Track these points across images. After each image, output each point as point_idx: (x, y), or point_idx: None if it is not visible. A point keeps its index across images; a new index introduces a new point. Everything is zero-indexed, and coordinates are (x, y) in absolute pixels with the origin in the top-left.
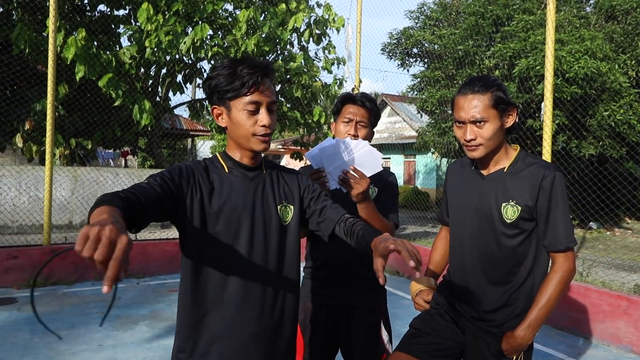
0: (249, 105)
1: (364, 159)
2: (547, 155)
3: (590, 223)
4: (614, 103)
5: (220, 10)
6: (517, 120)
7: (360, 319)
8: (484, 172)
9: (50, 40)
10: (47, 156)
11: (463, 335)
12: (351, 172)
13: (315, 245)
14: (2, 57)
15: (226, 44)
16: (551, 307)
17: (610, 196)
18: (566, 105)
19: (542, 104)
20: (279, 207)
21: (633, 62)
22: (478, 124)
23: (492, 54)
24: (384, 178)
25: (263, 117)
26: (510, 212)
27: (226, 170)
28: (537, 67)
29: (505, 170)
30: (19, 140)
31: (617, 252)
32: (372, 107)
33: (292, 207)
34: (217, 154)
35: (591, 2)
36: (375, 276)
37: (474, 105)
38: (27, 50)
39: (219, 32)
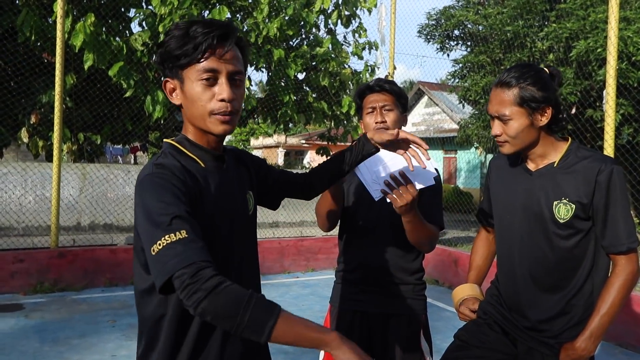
0: (204, 73)
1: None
2: (609, 150)
3: None
4: None
5: None
6: (558, 116)
7: (397, 328)
8: (532, 168)
9: (59, 26)
10: (55, 152)
11: (514, 348)
12: (398, 177)
13: (348, 247)
14: (7, 46)
15: (246, 27)
16: (614, 314)
17: None
18: (632, 92)
19: (604, 92)
20: (247, 195)
21: None
22: (503, 120)
23: (546, 35)
24: None
25: (222, 88)
26: (564, 210)
27: (203, 165)
28: (599, 50)
29: (555, 165)
30: (24, 135)
31: None
32: (391, 88)
33: (252, 192)
34: (179, 145)
35: None
36: (415, 281)
37: (499, 100)
38: (33, 38)
39: (238, 15)
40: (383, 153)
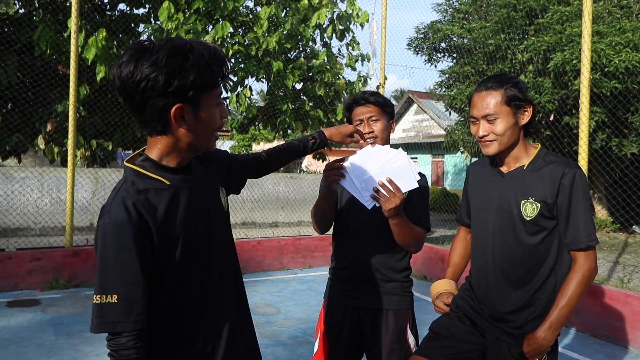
0: (219, 97)
1: (401, 171)
2: (583, 154)
3: (633, 227)
4: None
5: (241, 8)
6: (534, 118)
7: (386, 322)
8: (504, 170)
9: (72, 41)
10: (70, 158)
11: (483, 338)
12: (386, 183)
13: (340, 247)
14: (25, 59)
15: (247, 41)
16: (572, 307)
17: None
18: (604, 101)
19: (580, 100)
20: (220, 195)
21: None
22: (490, 120)
23: (525, 48)
24: None
25: (224, 108)
26: (530, 209)
27: (168, 183)
28: (574, 61)
29: (525, 167)
30: (41, 142)
31: None
32: (375, 100)
33: (223, 189)
34: (139, 169)
35: None
36: (402, 279)
37: (486, 102)
38: (48, 52)
39: (240, 30)
40: (370, 162)
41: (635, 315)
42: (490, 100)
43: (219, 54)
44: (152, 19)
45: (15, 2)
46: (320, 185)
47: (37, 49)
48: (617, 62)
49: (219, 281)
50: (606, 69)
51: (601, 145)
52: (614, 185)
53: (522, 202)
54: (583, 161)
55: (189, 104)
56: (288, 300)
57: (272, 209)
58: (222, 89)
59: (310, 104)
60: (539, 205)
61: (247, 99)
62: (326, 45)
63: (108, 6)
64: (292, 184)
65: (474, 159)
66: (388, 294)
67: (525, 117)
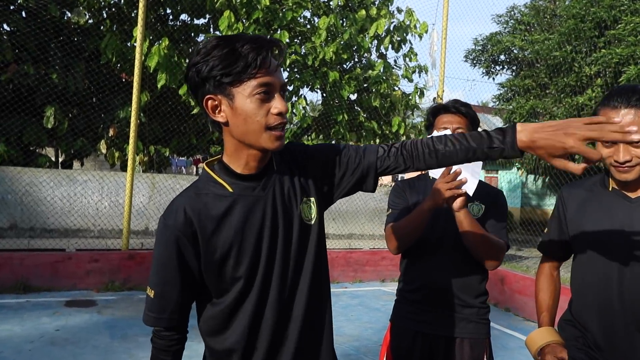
0: (259, 88)
1: (467, 169)
2: None
3: None
4: None
5: (299, 18)
6: None
7: (461, 352)
8: (632, 195)
9: (137, 49)
10: (129, 163)
11: None
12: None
13: (411, 266)
14: (92, 66)
15: (304, 51)
16: None
17: None
18: None
19: None
20: (301, 206)
21: None
22: (635, 143)
23: (594, 61)
24: (492, 195)
25: (278, 102)
26: None
27: (230, 190)
28: None
29: None
30: (103, 147)
31: None
32: (467, 111)
33: (312, 199)
34: (210, 171)
35: None
36: (479, 304)
37: (630, 122)
38: (113, 60)
39: (297, 40)
40: None
41: None
42: (637, 121)
43: (255, 41)
44: (211, 29)
45: (86, 12)
46: (389, 198)
47: (103, 56)
48: None
49: (276, 299)
50: None
51: None
52: None
53: None
54: None
55: (222, 95)
56: (339, 315)
57: None
58: (270, 79)
59: (365, 115)
60: None
61: (302, 109)
62: (382, 56)
63: (171, 16)
64: None
65: (530, 176)
66: (464, 320)
67: None
